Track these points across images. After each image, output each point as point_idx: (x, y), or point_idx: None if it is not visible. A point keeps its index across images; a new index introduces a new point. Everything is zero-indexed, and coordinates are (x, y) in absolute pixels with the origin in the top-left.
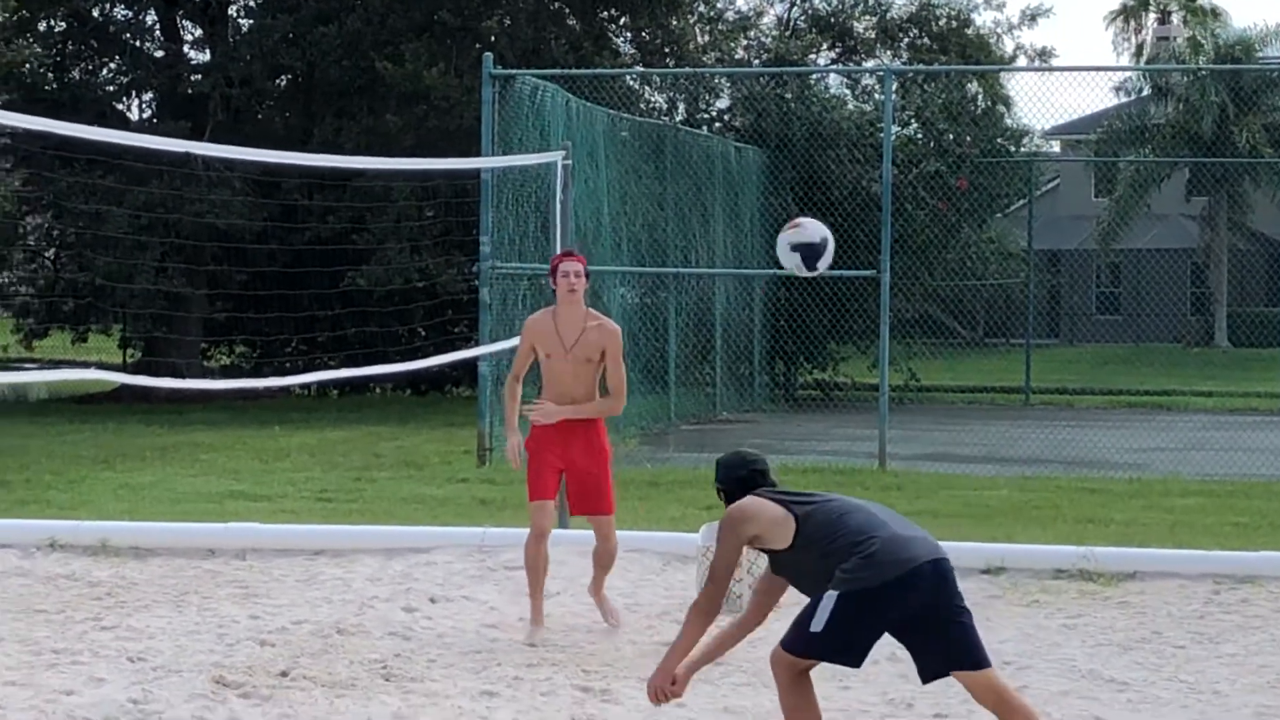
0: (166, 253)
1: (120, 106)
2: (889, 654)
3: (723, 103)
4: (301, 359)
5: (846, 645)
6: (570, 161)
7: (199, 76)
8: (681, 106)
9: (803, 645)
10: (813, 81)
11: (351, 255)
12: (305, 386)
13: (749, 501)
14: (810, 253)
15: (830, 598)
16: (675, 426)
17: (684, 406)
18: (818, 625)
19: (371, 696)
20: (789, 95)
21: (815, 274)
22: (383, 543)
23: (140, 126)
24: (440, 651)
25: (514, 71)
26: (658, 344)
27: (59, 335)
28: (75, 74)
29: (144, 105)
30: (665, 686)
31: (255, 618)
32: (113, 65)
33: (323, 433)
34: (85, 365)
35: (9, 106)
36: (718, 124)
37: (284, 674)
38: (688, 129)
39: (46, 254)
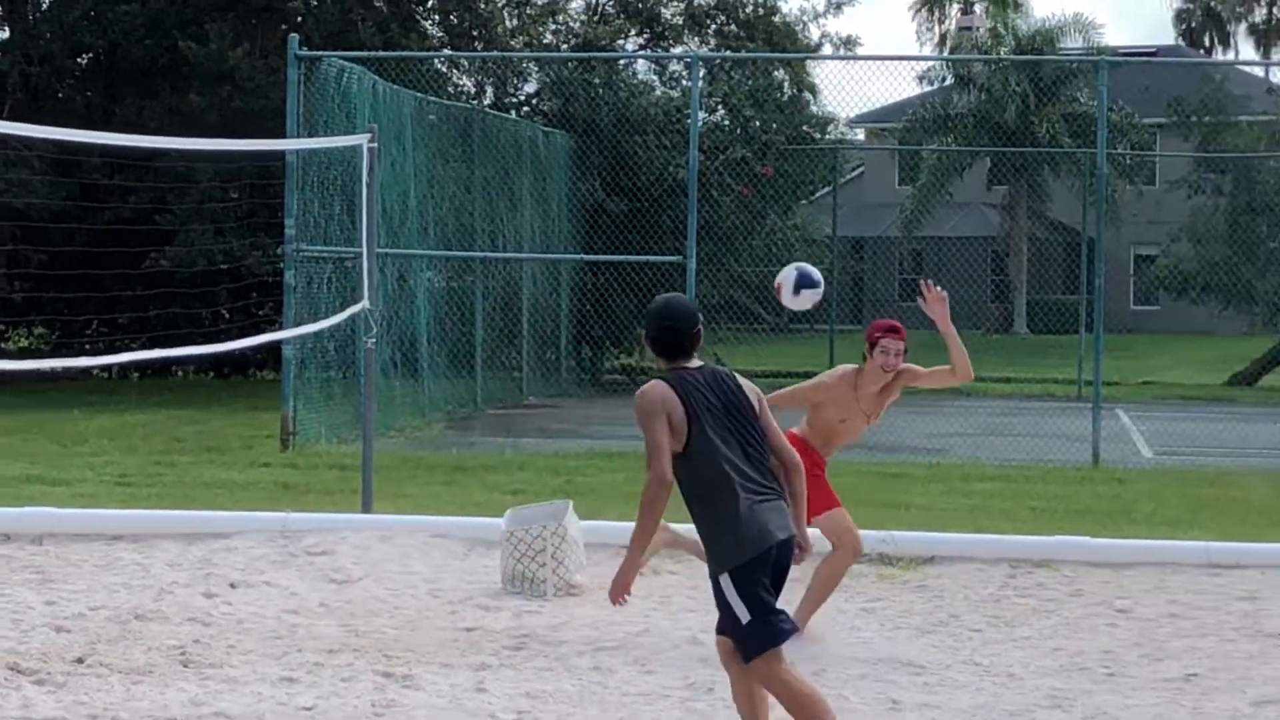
0: None
1: None
2: (690, 637)
3: (531, 87)
4: (102, 340)
5: (773, 610)
6: (376, 144)
7: None
8: (490, 90)
9: (753, 640)
10: (620, 67)
11: (154, 236)
12: (106, 369)
13: (658, 385)
14: (805, 280)
15: (725, 582)
16: (481, 411)
17: (490, 391)
18: (744, 615)
19: (169, 683)
20: (597, 80)
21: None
22: (183, 528)
23: None
24: (240, 637)
25: (320, 54)
26: (464, 328)
27: None
28: None
29: None
30: (627, 589)
31: (51, 603)
32: None
33: (123, 416)
34: None
35: None
36: (526, 108)
37: (80, 660)
38: (496, 113)
39: None
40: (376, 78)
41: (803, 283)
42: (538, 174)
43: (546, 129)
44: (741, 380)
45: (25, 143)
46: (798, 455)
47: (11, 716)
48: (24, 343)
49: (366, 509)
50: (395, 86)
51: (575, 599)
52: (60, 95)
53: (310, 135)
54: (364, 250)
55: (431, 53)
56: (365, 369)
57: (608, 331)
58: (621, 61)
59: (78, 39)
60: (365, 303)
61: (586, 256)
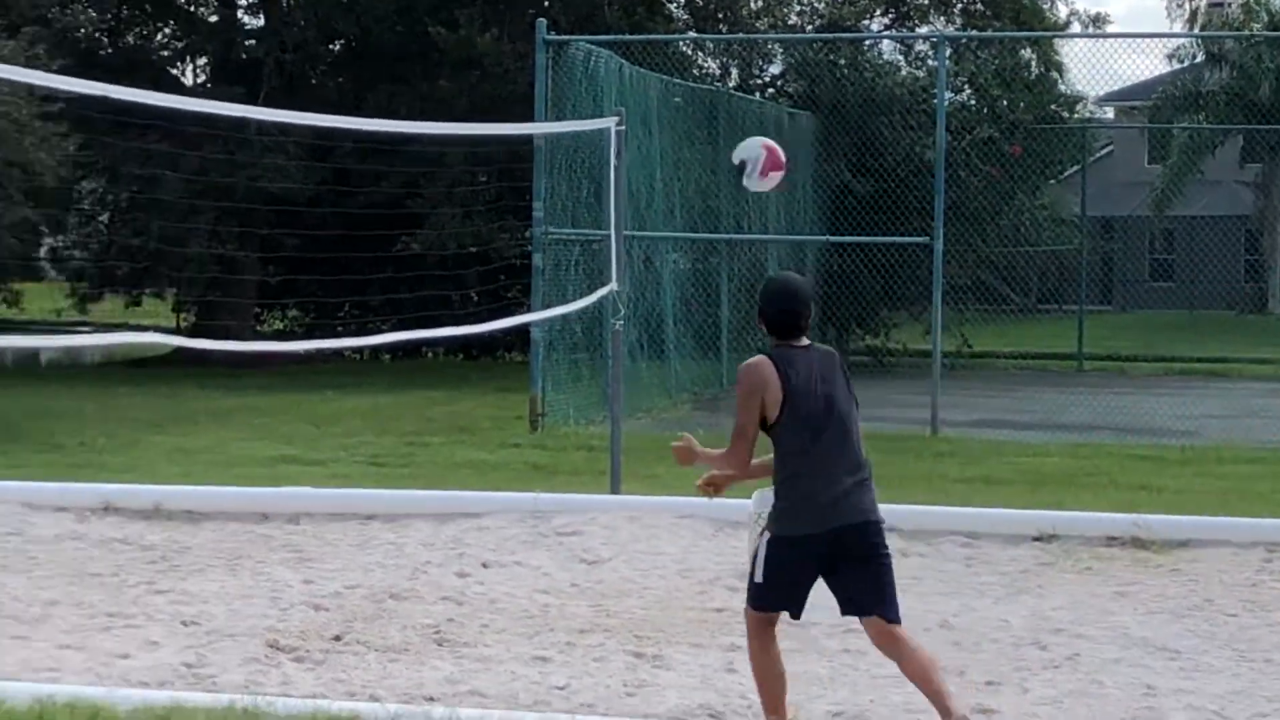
0: (220, 217)
1: (175, 72)
2: (940, 620)
3: (776, 68)
4: (355, 323)
5: (786, 589)
6: (623, 127)
7: (253, 41)
8: (735, 72)
9: (752, 597)
10: (866, 47)
11: (405, 220)
12: (358, 350)
13: (763, 364)
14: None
15: (764, 542)
16: (727, 391)
17: (736, 372)
18: (758, 575)
19: (424, 661)
20: (842, 61)
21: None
22: (435, 508)
23: (194, 91)
24: (493, 616)
25: (568, 38)
26: (710, 310)
27: (113, 299)
28: (130, 39)
29: (198, 70)
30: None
31: (308, 582)
32: (167, 30)
33: (375, 397)
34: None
35: (64, 71)
36: (771, 90)
37: (337, 638)
38: (741, 94)
39: (101, 218)
40: (623, 61)
41: (771, 164)
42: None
43: (791, 110)
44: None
45: (280, 129)
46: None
47: (272, 692)
48: (279, 325)
49: (615, 490)
50: (641, 69)
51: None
52: (313, 82)
53: (558, 119)
54: (611, 233)
55: (677, 35)
56: (613, 350)
57: (853, 313)
58: (867, 42)
59: (330, 26)
60: (613, 284)
61: (832, 238)
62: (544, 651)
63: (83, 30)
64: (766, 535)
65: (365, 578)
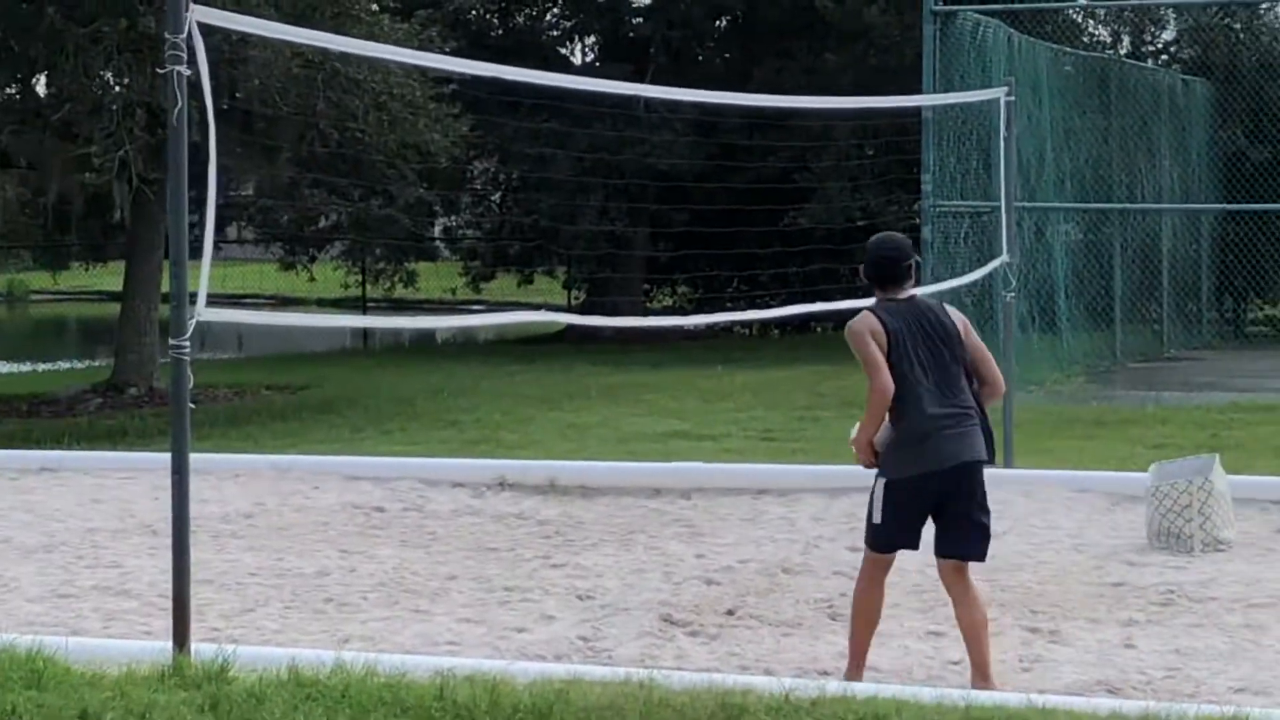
0: (609, 195)
1: (563, 51)
2: None
3: (1168, 35)
4: (743, 298)
5: (905, 528)
6: (1013, 98)
7: (640, 20)
8: (1126, 39)
9: (872, 539)
10: (1263, 10)
11: (793, 194)
12: (747, 325)
13: (866, 315)
14: None
15: (880, 486)
16: (1121, 364)
17: (1130, 344)
18: (877, 516)
19: (818, 636)
20: (1238, 26)
21: None
22: (827, 482)
23: (583, 70)
24: (888, 590)
25: (956, 8)
26: (1103, 281)
27: (505, 277)
28: (519, 20)
29: (586, 49)
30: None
31: (701, 556)
32: (555, 10)
33: (765, 372)
34: (535, 308)
35: (456, 53)
36: (1164, 57)
37: (730, 612)
38: (1133, 62)
39: (493, 198)
40: (1012, 30)
41: None
42: (1176, 123)
43: (1185, 77)
44: (950, 309)
45: (668, 106)
46: (1000, 377)
47: (667, 666)
48: (668, 301)
49: (1008, 464)
50: (1031, 39)
51: (1223, 554)
52: (700, 58)
53: (946, 90)
54: (1002, 204)
55: (1067, 3)
56: (1005, 322)
57: (1251, 282)
58: (1264, 5)
59: (716, 1)
60: (1004, 256)
61: (1228, 206)
62: (937, 626)
63: (474, 12)
64: (882, 481)
65: (757, 552)
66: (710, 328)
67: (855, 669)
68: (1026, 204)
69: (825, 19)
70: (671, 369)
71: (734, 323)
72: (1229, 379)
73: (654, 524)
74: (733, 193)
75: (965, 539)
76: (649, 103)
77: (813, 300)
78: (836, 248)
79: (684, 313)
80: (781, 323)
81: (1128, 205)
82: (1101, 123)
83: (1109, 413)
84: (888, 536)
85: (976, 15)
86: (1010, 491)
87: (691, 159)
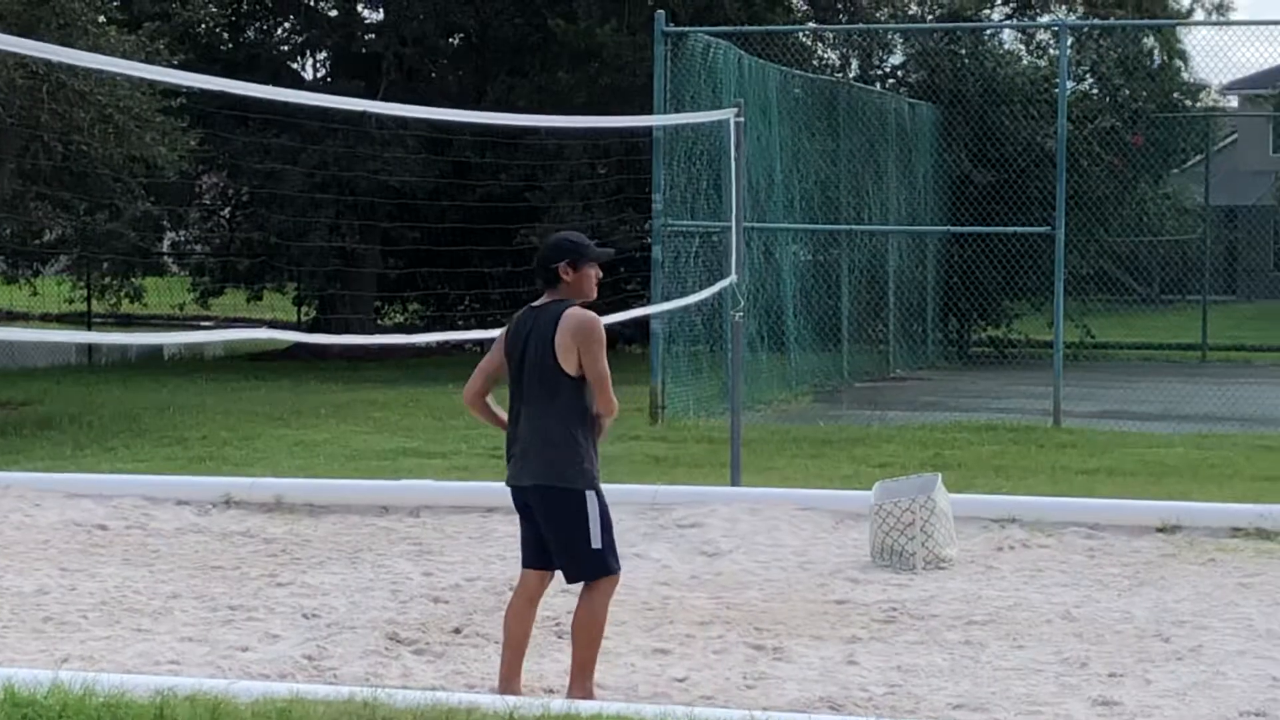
0: (340, 211)
1: (295, 66)
2: (1063, 612)
3: (896, 59)
4: (474, 316)
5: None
6: (743, 119)
7: (372, 36)
8: (854, 63)
9: (602, 565)
10: (987, 37)
11: (524, 213)
12: (478, 343)
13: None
14: None
15: (593, 500)
16: (848, 384)
17: (857, 364)
18: (597, 540)
19: (544, 654)
20: (963, 51)
21: None
22: None
23: (315, 86)
24: (613, 609)
25: (687, 29)
26: (830, 301)
27: (234, 293)
28: (250, 34)
29: (318, 65)
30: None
31: (429, 575)
32: (287, 25)
33: (495, 390)
34: (257, 325)
35: (185, 67)
36: (891, 80)
37: (457, 631)
38: (861, 85)
39: (222, 213)
40: (742, 52)
41: None
42: (903, 146)
43: (912, 101)
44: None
45: (400, 122)
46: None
47: (392, 685)
48: (399, 318)
49: (735, 482)
50: (760, 60)
51: (945, 572)
52: (433, 75)
53: (677, 111)
54: (732, 224)
55: (796, 26)
56: (733, 342)
57: (974, 303)
58: (988, 31)
59: (449, 19)
60: (733, 276)
61: (953, 228)
62: (664, 644)
63: (203, 25)
64: (593, 493)
65: (485, 570)
66: (441, 346)
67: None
68: (756, 224)
69: (558, 38)
70: (402, 386)
71: (465, 341)
72: (952, 398)
73: (382, 542)
74: (464, 210)
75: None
76: (380, 119)
77: None
78: None
79: (415, 330)
80: None
81: (855, 226)
82: (830, 145)
83: (835, 432)
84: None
85: (707, 37)
86: (737, 510)
87: (423, 176)
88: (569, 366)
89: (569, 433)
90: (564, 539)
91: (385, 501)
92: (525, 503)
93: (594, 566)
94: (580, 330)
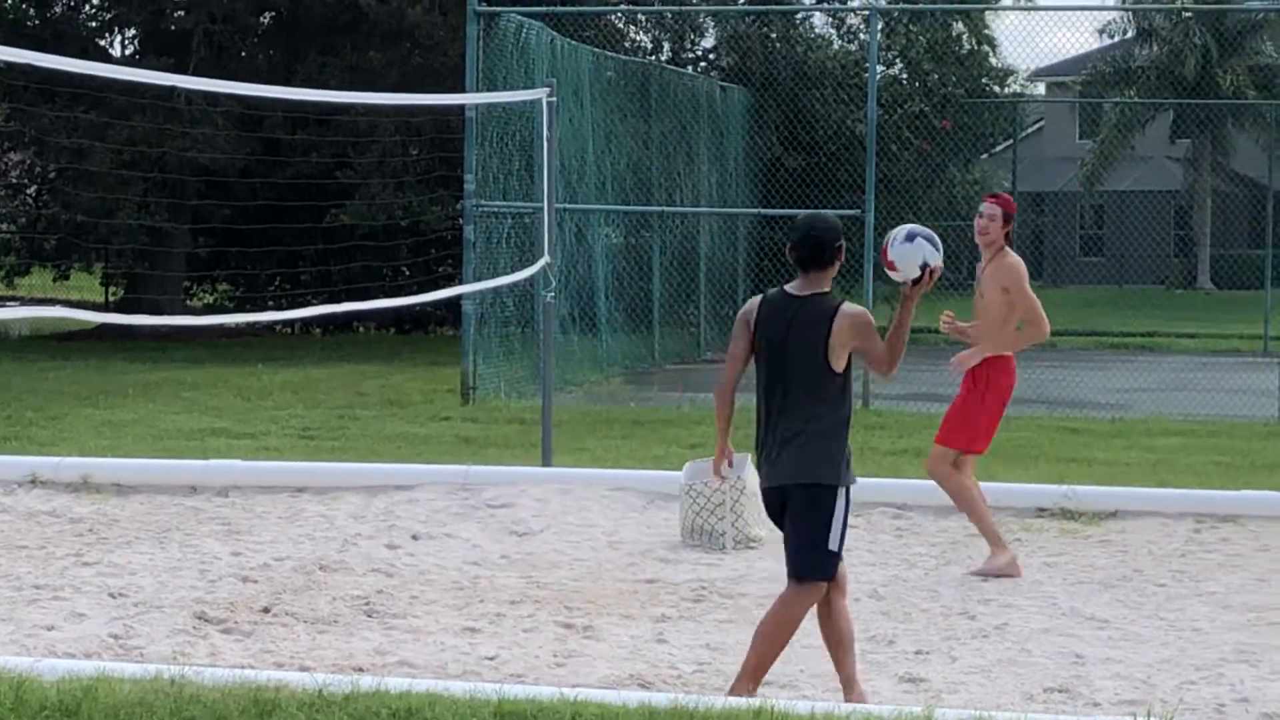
0: (149, 189)
1: (103, 43)
2: (870, 590)
3: (708, 42)
4: (285, 296)
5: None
6: (555, 99)
7: (182, 13)
8: (667, 46)
9: (830, 566)
10: (798, 21)
11: (335, 192)
12: (288, 324)
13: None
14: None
15: (843, 498)
16: (659, 365)
17: (668, 346)
18: (834, 543)
19: (354, 632)
20: (774, 35)
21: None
22: (366, 480)
23: (123, 63)
24: (423, 588)
25: (499, 9)
26: (642, 283)
27: (40, 273)
28: (57, 10)
29: (126, 42)
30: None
31: (237, 554)
32: (95, 1)
33: (306, 370)
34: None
35: None
36: (703, 64)
37: (266, 610)
38: (673, 68)
39: (28, 191)
40: (555, 33)
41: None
42: (715, 129)
43: (724, 84)
44: None
45: (209, 99)
46: None
47: (200, 663)
48: (209, 299)
49: (546, 462)
50: (573, 42)
51: (754, 551)
52: (243, 54)
53: (489, 91)
54: (544, 205)
55: (609, 8)
56: (545, 324)
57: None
58: (799, 15)
59: None
60: (545, 258)
61: (764, 211)
62: (474, 623)
63: (9, 1)
64: (844, 491)
65: (295, 550)
66: (251, 326)
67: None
68: (568, 206)
69: (370, 17)
70: (211, 366)
71: (275, 321)
72: None
73: (190, 521)
74: (275, 189)
75: None
76: (190, 95)
77: (354, 299)
78: (379, 246)
79: (224, 310)
80: (323, 321)
81: (667, 209)
82: (642, 127)
83: (646, 413)
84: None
85: (520, 17)
86: (548, 490)
87: (234, 154)
88: (838, 365)
89: (833, 429)
90: (804, 533)
91: (193, 481)
92: (783, 503)
93: (819, 566)
94: (861, 329)
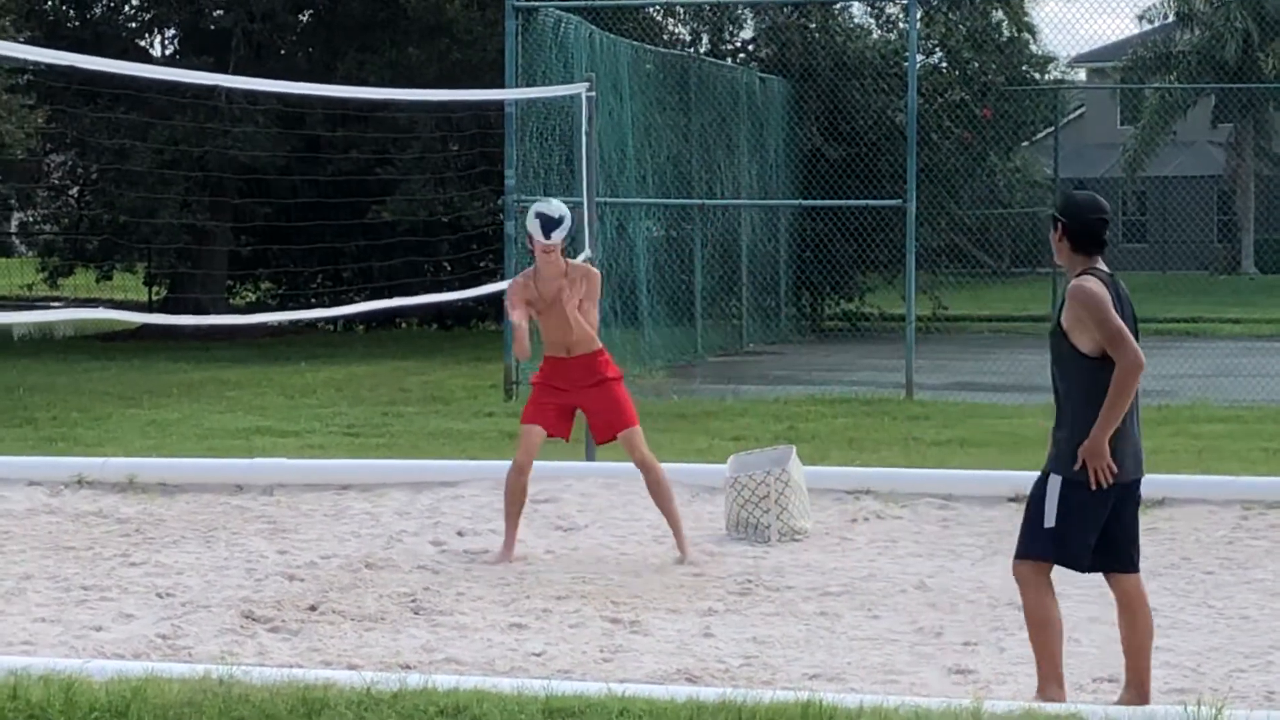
0: (191, 188)
1: (142, 44)
2: (917, 582)
3: (747, 34)
4: (327, 294)
5: (1078, 539)
6: (594, 94)
7: (220, 12)
8: (705, 38)
9: (1038, 546)
10: (837, 11)
11: (376, 188)
12: (331, 321)
13: (1098, 284)
14: (548, 223)
15: (1055, 483)
16: (702, 359)
17: (710, 339)
18: (1050, 520)
19: (400, 630)
20: (813, 25)
21: (550, 241)
22: (410, 477)
23: (163, 63)
24: (469, 585)
25: (537, 4)
26: (684, 276)
27: (84, 273)
28: (97, 11)
29: (166, 42)
30: (1103, 465)
31: (283, 553)
32: (134, 2)
33: (349, 368)
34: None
35: (31, 43)
36: (742, 55)
37: (313, 608)
38: (712, 60)
39: (70, 192)
40: (593, 27)
41: (549, 226)
42: (755, 121)
43: (763, 75)
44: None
45: (250, 98)
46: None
47: (248, 663)
48: (251, 297)
49: (590, 457)
50: (612, 36)
51: (800, 544)
52: (282, 52)
53: (528, 86)
54: (584, 199)
55: (647, 1)
56: None
57: (827, 277)
58: (838, 5)
59: None
60: (586, 251)
61: (805, 202)
62: (520, 619)
63: (49, 2)
64: (1059, 478)
65: (341, 547)
66: (294, 324)
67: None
68: (609, 199)
69: (408, 13)
70: (254, 365)
71: (318, 319)
72: (806, 373)
73: (236, 520)
74: (316, 186)
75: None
76: (230, 94)
77: (396, 295)
78: (420, 241)
79: (268, 308)
80: (366, 318)
81: (707, 201)
82: (682, 120)
83: (689, 405)
84: (1057, 542)
85: (558, 11)
86: (592, 485)
87: (274, 152)
88: (1080, 346)
89: (1075, 418)
90: (1028, 514)
91: (239, 480)
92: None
93: (1029, 544)
94: (1086, 303)
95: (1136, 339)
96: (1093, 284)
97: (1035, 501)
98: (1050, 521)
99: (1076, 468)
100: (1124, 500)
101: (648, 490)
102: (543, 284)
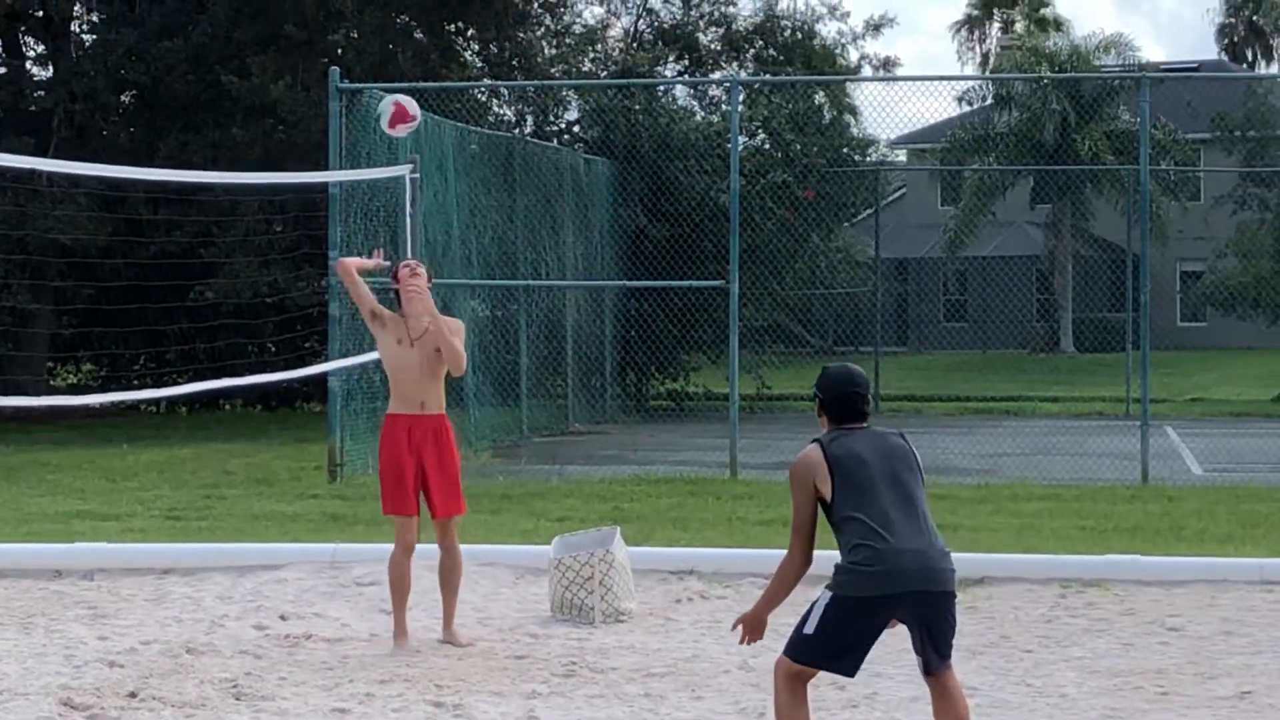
0: (11, 269)
1: None
2: (740, 662)
3: (571, 115)
4: (150, 375)
5: (840, 650)
6: (418, 175)
7: (42, 93)
8: (530, 119)
9: (796, 649)
10: (660, 93)
11: (199, 269)
12: (154, 403)
13: (810, 451)
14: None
15: (824, 598)
16: (527, 439)
17: (536, 419)
18: (810, 626)
19: (222, 716)
20: (637, 107)
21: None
22: (233, 560)
23: None
24: (291, 669)
25: (361, 85)
26: (509, 356)
27: None
28: None
29: None
30: (757, 633)
31: (104, 638)
32: None
33: (171, 450)
34: None
35: None
36: (567, 136)
37: (133, 695)
38: (537, 141)
39: None
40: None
41: (398, 117)
42: (579, 201)
43: (587, 156)
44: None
45: (71, 180)
46: None
47: None
48: (73, 379)
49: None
50: (436, 117)
51: (624, 625)
52: (104, 132)
53: (353, 167)
54: None
55: (472, 83)
56: None
57: (652, 357)
58: (661, 87)
59: (121, 75)
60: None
61: (630, 283)
62: (343, 704)
63: None
64: (829, 593)
65: (162, 633)
66: (116, 406)
67: None
68: (434, 280)
69: (231, 94)
70: (75, 448)
71: (140, 400)
72: (631, 452)
73: (55, 606)
74: (138, 268)
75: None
76: (51, 177)
77: (219, 377)
78: (244, 323)
79: (90, 390)
80: (189, 399)
81: (532, 281)
82: (507, 200)
83: (514, 487)
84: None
85: (383, 93)
86: (417, 567)
87: (96, 233)
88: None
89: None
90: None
91: (58, 565)
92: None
93: (790, 643)
94: (790, 475)
95: (897, 480)
96: (803, 458)
97: (810, 605)
98: (809, 629)
99: (738, 628)
100: (918, 612)
101: (442, 574)
102: (411, 322)
